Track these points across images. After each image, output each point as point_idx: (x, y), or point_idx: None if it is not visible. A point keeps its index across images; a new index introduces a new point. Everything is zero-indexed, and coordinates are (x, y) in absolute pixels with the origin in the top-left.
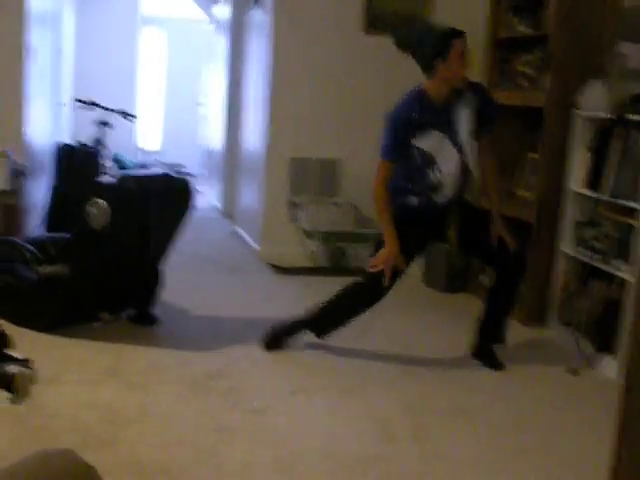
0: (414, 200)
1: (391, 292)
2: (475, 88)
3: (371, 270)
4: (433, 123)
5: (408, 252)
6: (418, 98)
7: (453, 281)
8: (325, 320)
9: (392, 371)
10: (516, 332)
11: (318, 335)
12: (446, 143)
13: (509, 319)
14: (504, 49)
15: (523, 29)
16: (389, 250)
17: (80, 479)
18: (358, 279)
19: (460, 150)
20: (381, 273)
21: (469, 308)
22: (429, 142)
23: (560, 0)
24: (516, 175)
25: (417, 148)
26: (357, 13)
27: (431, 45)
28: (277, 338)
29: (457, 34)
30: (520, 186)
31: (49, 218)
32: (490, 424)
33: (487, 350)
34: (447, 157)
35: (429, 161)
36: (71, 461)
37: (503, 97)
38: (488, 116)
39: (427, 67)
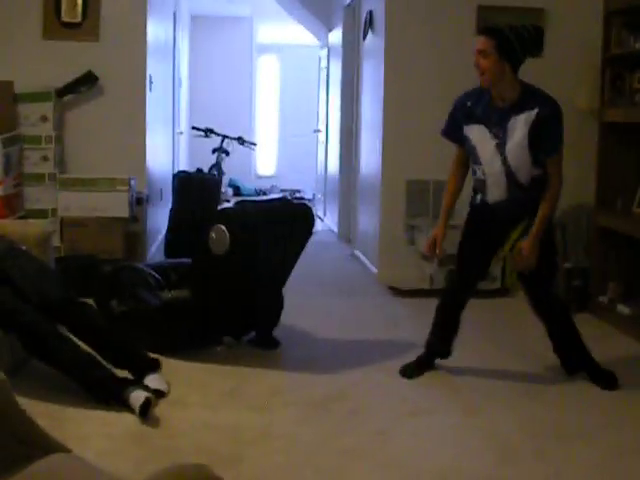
0: (477, 198)
1: (507, 313)
2: (539, 103)
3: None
4: (483, 119)
5: (470, 251)
6: (480, 90)
7: (573, 301)
8: (437, 336)
9: (510, 390)
10: (634, 351)
11: (445, 355)
12: (492, 147)
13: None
14: (619, 66)
15: (637, 45)
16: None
17: None
18: None
19: (505, 161)
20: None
21: (589, 328)
22: (477, 137)
23: None
24: (634, 193)
25: (469, 139)
26: (469, 37)
27: None
28: (418, 367)
29: (480, 31)
30: (639, 204)
31: (169, 244)
32: (610, 447)
33: (592, 371)
34: (490, 161)
35: (475, 158)
36: (206, 475)
37: (618, 115)
38: (545, 141)
39: None
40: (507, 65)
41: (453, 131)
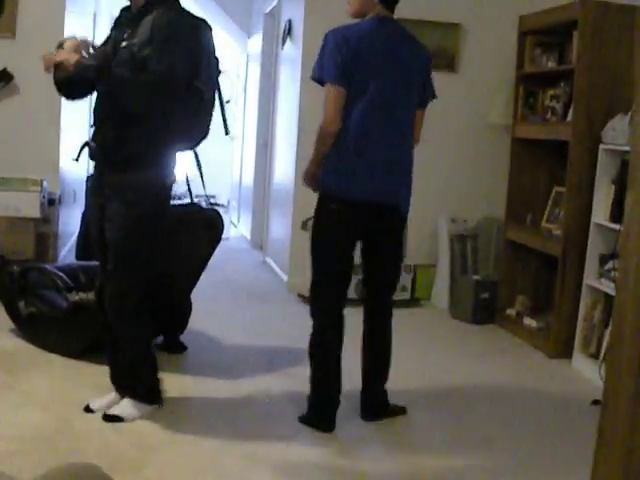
0: None
1: (416, 324)
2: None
3: None
4: None
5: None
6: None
7: (480, 313)
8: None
9: (416, 400)
10: (542, 365)
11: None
12: None
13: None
14: (532, 83)
15: (549, 64)
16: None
17: None
18: None
19: None
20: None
21: (496, 340)
22: None
23: (585, 34)
24: (544, 208)
25: None
26: None
27: None
28: None
29: None
30: (547, 219)
31: (80, 246)
32: (514, 455)
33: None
34: None
35: None
36: (95, 475)
37: (530, 131)
38: None
39: None
40: None
41: None
